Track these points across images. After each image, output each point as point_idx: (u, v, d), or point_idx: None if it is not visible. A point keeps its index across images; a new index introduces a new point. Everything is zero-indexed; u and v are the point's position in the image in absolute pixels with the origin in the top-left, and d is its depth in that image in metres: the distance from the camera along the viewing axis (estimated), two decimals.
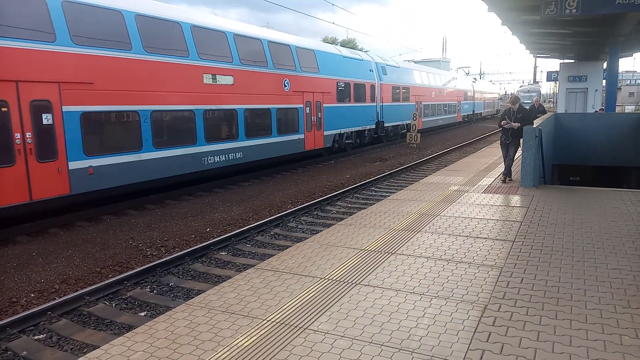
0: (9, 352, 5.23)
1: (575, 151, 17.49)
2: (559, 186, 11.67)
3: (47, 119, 9.51)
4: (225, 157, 14.12)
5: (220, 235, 9.18)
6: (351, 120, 22.06)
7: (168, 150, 12.22)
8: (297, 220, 10.68)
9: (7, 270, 7.53)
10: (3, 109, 8.77)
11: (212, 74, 13.45)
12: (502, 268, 5.15)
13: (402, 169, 17.60)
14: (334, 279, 4.99)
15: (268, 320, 4.07)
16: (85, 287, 6.78)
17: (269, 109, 16.12)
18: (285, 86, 16.95)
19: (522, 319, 3.96)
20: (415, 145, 25.18)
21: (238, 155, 14.72)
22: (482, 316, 4.02)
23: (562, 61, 29.95)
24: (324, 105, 19.47)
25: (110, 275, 7.36)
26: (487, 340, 3.63)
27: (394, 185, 14.76)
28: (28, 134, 9.16)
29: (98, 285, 6.73)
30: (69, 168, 9.93)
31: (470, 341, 3.61)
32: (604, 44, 20.70)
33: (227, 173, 14.89)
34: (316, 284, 4.87)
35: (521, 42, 23.30)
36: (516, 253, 5.64)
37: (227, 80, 13.99)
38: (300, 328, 3.91)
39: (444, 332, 3.76)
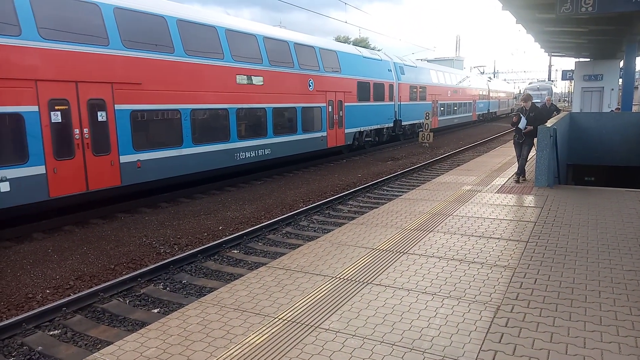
0: (24, 347, 5.31)
1: (591, 151, 17.26)
2: (574, 186, 11.53)
3: (101, 116, 10.35)
4: (255, 153, 14.93)
5: (233, 234, 9.23)
6: (370, 119, 22.62)
7: (205, 146, 13.04)
8: (309, 219, 10.69)
9: (23, 267, 7.65)
10: (65, 107, 9.62)
11: (244, 75, 14.28)
12: (515, 269, 5.11)
13: (414, 169, 17.52)
14: (345, 278, 4.99)
15: (280, 319, 4.09)
16: (100, 284, 6.87)
17: (294, 107, 16.84)
18: (310, 86, 17.61)
19: (535, 320, 3.92)
20: (427, 144, 25.06)
21: (267, 151, 15.52)
22: (494, 317, 3.99)
23: (577, 60, 29.57)
24: (345, 104, 20.12)
25: (124, 272, 7.44)
26: (500, 341, 3.60)
27: (405, 185, 14.70)
28: (85, 130, 10.01)
29: (112, 282, 6.81)
30: (120, 161, 10.75)
31: (483, 342, 3.59)
32: (621, 42, 20.39)
33: (255, 169, 15.63)
34: (327, 282, 4.87)
35: (536, 40, 23.04)
36: (530, 254, 5.59)
37: (258, 80, 14.82)
38: (312, 326, 3.92)
39: (456, 333, 3.74)
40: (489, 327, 3.81)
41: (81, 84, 9.86)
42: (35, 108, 9.12)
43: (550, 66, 50.22)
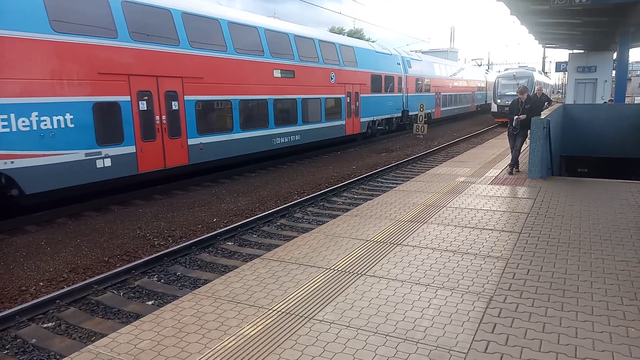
0: (18, 340, 5.30)
1: (584, 142, 17.34)
2: (567, 178, 11.60)
3: (174, 105, 12.19)
4: (288, 138, 16.87)
5: (227, 226, 9.22)
6: (382, 109, 24.44)
7: (250, 132, 15.03)
8: (303, 211, 10.70)
9: (16, 259, 7.61)
10: (148, 97, 11.46)
11: (279, 69, 16.22)
12: (508, 259, 5.14)
13: (408, 160, 17.55)
14: (339, 269, 5.01)
15: (274, 310, 4.10)
16: (94, 276, 6.85)
17: (319, 98, 18.75)
18: (332, 79, 19.53)
19: (527, 310, 3.96)
20: (422, 136, 25.09)
21: (297, 137, 17.44)
22: (487, 307, 4.02)
23: (571, 51, 29.62)
24: (361, 95, 21.93)
25: (118, 265, 7.43)
26: (493, 331, 3.63)
27: (400, 177, 14.73)
28: (163, 117, 11.88)
29: (106, 274, 6.80)
30: (188, 144, 12.67)
31: (476, 332, 3.62)
32: (614, 34, 20.43)
33: (287, 153, 17.60)
34: (322, 274, 4.89)
35: (530, 32, 23.05)
36: (523, 245, 5.63)
37: (290, 74, 16.80)
38: (306, 318, 3.93)
39: (449, 323, 3.77)
40: (482, 318, 3.84)
41: (160, 78, 11.74)
42: (128, 98, 10.92)
43: (544, 58, 50.41)
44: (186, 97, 12.43)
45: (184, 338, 3.68)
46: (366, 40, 37.17)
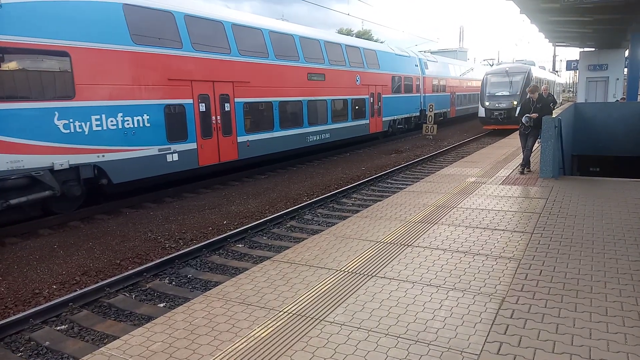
0: (32, 342, 5.36)
1: (596, 141, 17.16)
2: (579, 177, 11.48)
3: (227, 107, 13.70)
4: (319, 136, 18.30)
5: (237, 228, 9.25)
6: (402, 109, 25.89)
7: (288, 131, 16.46)
8: (313, 212, 10.70)
9: (30, 262, 7.70)
10: (206, 100, 13.00)
11: (312, 73, 17.74)
12: (520, 260, 5.10)
13: (418, 161, 17.48)
14: (349, 271, 5.00)
15: (284, 312, 4.10)
16: (106, 279, 6.91)
17: (347, 99, 20.23)
18: (357, 81, 20.98)
19: (540, 311, 3.91)
20: (432, 136, 25.00)
21: (327, 135, 18.84)
22: (499, 308, 3.99)
23: (582, 50, 29.33)
24: (383, 95, 23.40)
25: (129, 267, 7.48)
26: (505, 332, 3.60)
27: (410, 178, 14.68)
28: (218, 117, 13.40)
29: (118, 276, 6.85)
30: (237, 141, 14.20)
31: (488, 334, 3.59)
32: (626, 31, 20.20)
33: (317, 150, 19.00)
34: (332, 275, 4.88)
35: (540, 30, 22.87)
36: (535, 245, 5.58)
37: (321, 77, 18.26)
38: (317, 319, 3.93)
39: (461, 325, 3.74)
40: (494, 319, 3.81)
41: (215, 83, 13.23)
42: (190, 100, 12.46)
43: (554, 56, 49.79)
44: (236, 100, 14.00)
45: (196, 340, 3.70)
46: (375, 40, 37.25)
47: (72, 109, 9.73)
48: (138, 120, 11.02)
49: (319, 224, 9.77)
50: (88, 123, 10.00)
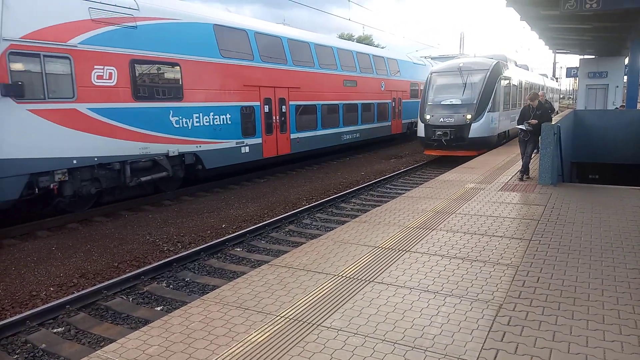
0: (28, 345, 5.34)
1: (595, 149, 17.19)
2: (578, 184, 11.49)
3: (283, 108, 16.12)
4: (351, 136, 20.54)
5: (236, 232, 9.24)
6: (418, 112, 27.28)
7: (327, 130, 18.80)
8: (312, 217, 10.70)
9: (27, 264, 7.69)
10: (269, 103, 15.39)
11: (347, 80, 20.10)
12: (518, 267, 5.10)
13: (417, 167, 17.49)
14: (347, 276, 4.99)
15: (282, 317, 4.09)
16: (103, 282, 6.89)
17: (373, 103, 22.46)
18: (382, 87, 23.23)
19: (537, 318, 3.91)
20: None
21: (357, 135, 21.08)
22: (497, 315, 3.99)
23: (582, 57, 29.42)
24: (402, 100, 25.61)
25: (127, 270, 7.47)
26: (502, 339, 3.60)
27: (409, 183, 14.68)
28: (277, 117, 15.84)
29: (115, 279, 6.84)
30: (291, 138, 16.60)
31: (485, 340, 3.59)
32: (626, 39, 20.28)
33: (345, 148, 21.09)
34: (330, 281, 4.88)
35: (540, 37, 22.96)
36: (533, 252, 5.58)
37: (353, 83, 20.60)
38: (314, 325, 3.93)
39: (458, 331, 3.74)
40: (491, 326, 3.81)
41: (276, 88, 15.64)
42: (258, 103, 14.94)
43: (554, 63, 49.86)
44: (290, 102, 16.41)
45: (192, 344, 3.69)
46: (375, 46, 37.47)
47: (181, 108, 12.18)
48: (223, 118, 13.52)
49: (317, 229, 9.77)
50: (191, 120, 12.45)
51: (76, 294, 6.36)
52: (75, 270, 7.46)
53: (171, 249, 8.52)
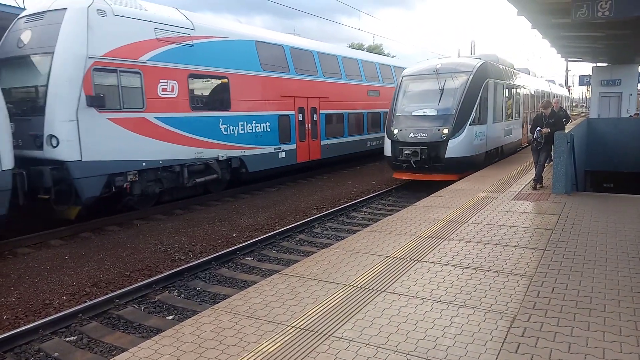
0: (41, 353, 5.37)
1: (609, 157, 16.99)
2: (592, 193, 11.34)
3: (314, 117, 17.35)
4: (374, 143, 21.34)
5: (247, 241, 9.25)
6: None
7: (353, 137, 20.01)
8: (322, 226, 10.67)
9: (41, 273, 7.75)
10: (302, 112, 16.61)
11: (370, 90, 21.36)
12: (532, 277, 5.03)
13: None
14: (358, 285, 4.96)
15: (292, 327, 4.07)
16: (115, 291, 6.92)
17: None
18: None
19: (552, 330, 3.85)
20: None
21: (380, 142, 21.21)
22: (511, 326, 3.93)
23: (594, 65, 29.18)
24: None
25: (139, 279, 7.50)
26: (516, 351, 3.54)
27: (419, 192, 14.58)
28: (309, 125, 17.05)
29: (127, 288, 6.87)
30: (321, 144, 17.81)
31: (499, 352, 3.53)
32: (639, 47, 20.08)
33: (373, 154, 21.45)
34: (341, 290, 4.85)
35: (552, 45, 22.81)
36: (547, 262, 5.51)
37: (376, 93, 21.79)
38: (325, 335, 3.90)
39: (472, 342, 3.69)
40: (505, 337, 3.75)
41: (308, 98, 16.88)
42: (292, 112, 16.15)
43: (567, 71, 49.48)
44: (320, 111, 17.62)
45: (203, 354, 3.68)
46: (386, 55, 37.62)
47: (228, 117, 13.44)
48: (263, 126, 14.77)
49: (328, 238, 9.74)
50: (236, 128, 13.71)
51: (88, 303, 6.40)
52: (88, 279, 7.50)
53: (182, 258, 8.54)
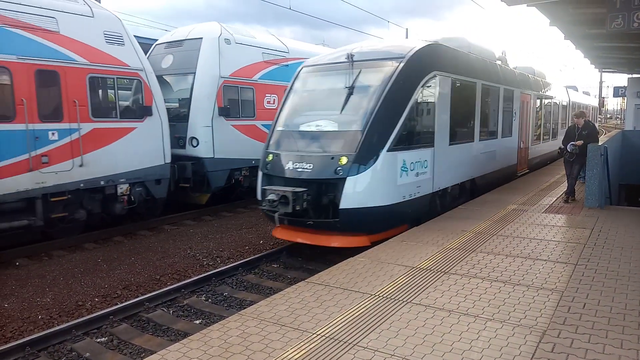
0: (73, 353, 5.53)
1: None
2: (626, 207, 11.01)
3: None
4: None
5: (273, 248, 9.33)
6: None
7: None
8: None
9: (75, 275, 7.99)
10: None
11: None
12: (563, 292, 4.93)
13: None
14: (384, 295, 4.95)
15: (318, 334, 4.10)
16: (145, 294, 7.08)
17: None
18: None
19: (583, 346, 3.76)
20: None
21: None
22: (540, 342, 3.86)
23: (630, 76, 28.41)
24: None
25: (168, 283, 7.65)
26: None
27: None
28: None
29: (157, 292, 7.01)
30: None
31: None
32: None
33: None
34: (366, 300, 4.85)
35: (585, 56, 22.32)
36: (579, 277, 5.38)
37: None
38: (350, 344, 3.91)
39: (499, 357, 3.64)
40: (534, 352, 3.69)
41: None
42: None
43: (601, 82, 48.19)
44: None
45: (230, 358, 3.74)
46: None
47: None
48: None
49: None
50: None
51: (119, 305, 6.56)
52: (119, 281, 7.70)
53: (210, 263, 8.68)
